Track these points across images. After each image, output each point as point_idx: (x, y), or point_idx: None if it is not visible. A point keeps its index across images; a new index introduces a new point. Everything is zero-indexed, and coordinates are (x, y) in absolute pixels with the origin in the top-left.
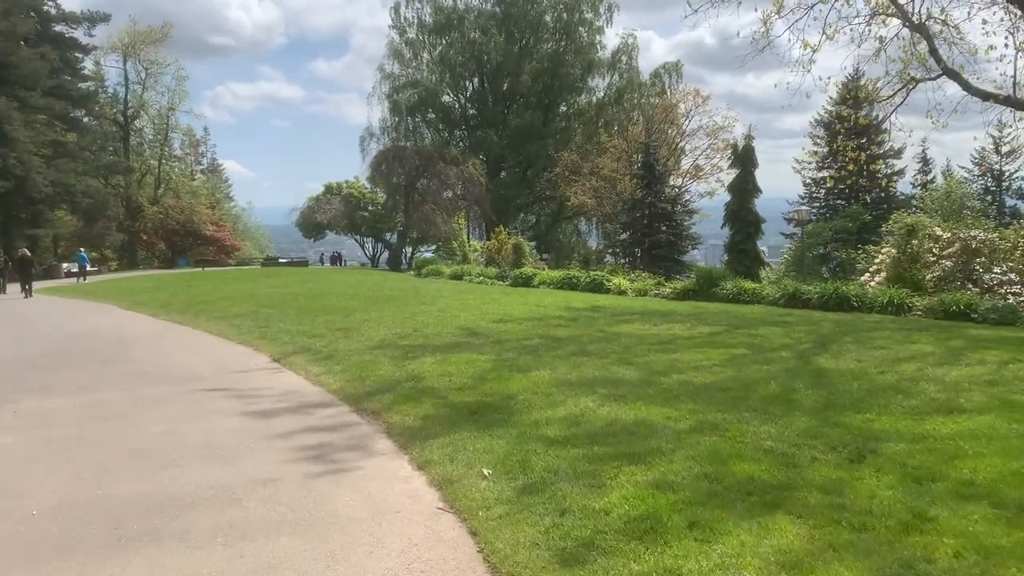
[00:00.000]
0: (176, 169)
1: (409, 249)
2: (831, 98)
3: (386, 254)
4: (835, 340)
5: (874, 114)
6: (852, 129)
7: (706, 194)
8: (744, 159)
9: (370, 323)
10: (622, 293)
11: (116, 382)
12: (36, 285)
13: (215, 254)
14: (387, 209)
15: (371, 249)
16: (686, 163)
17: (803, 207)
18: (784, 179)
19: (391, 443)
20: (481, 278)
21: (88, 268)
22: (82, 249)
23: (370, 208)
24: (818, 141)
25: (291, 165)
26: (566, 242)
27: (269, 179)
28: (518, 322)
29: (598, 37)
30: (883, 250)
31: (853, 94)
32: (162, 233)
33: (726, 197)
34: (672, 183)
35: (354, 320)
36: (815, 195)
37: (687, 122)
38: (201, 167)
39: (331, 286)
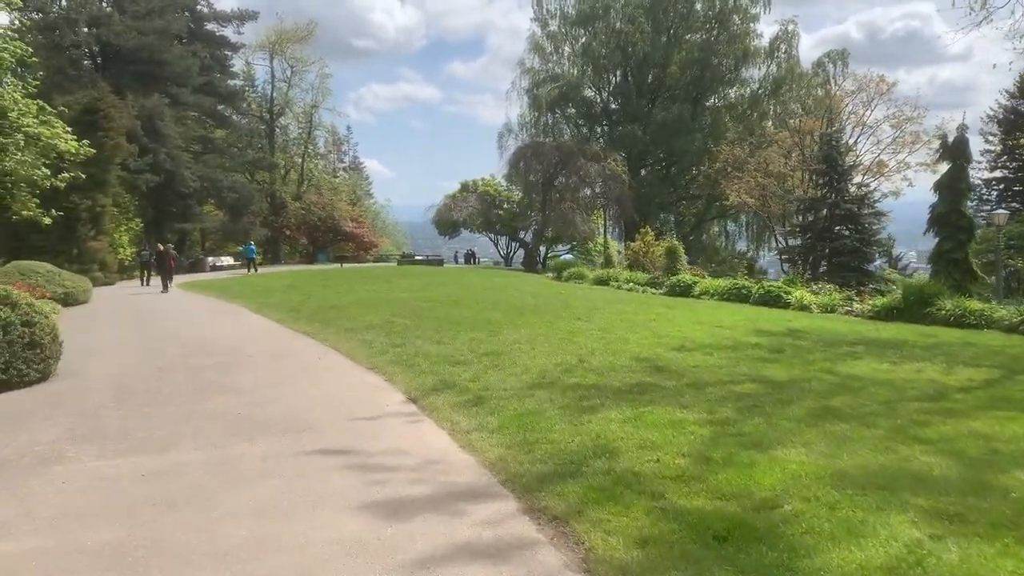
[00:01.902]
0: (319, 166)
1: (543, 249)
2: (1006, 91)
3: (519, 253)
4: None
5: None
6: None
7: (890, 193)
8: (956, 153)
9: (521, 345)
10: (804, 309)
11: (207, 430)
12: (183, 278)
13: (354, 250)
14: (522, 207)
15: (505, 247)
16: (866, 158)
17: (1000, 210)
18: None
19: None
20: (631, 285)
21: (226, 262)
22: (251, 242)
23: (505, 206)
24: (990, 139)
25: (427, 164)
26: (709, 244)
27: (406, 178)
28: (706, 351)
29: (752, 25)
30: None
31: None
32: (304, 229)
33: (914, 197)
34: (854, 180)
35: (502, 340)
36: (985, 197)
37: (868, 112)
38: (343, 165)
39: (469, 291)
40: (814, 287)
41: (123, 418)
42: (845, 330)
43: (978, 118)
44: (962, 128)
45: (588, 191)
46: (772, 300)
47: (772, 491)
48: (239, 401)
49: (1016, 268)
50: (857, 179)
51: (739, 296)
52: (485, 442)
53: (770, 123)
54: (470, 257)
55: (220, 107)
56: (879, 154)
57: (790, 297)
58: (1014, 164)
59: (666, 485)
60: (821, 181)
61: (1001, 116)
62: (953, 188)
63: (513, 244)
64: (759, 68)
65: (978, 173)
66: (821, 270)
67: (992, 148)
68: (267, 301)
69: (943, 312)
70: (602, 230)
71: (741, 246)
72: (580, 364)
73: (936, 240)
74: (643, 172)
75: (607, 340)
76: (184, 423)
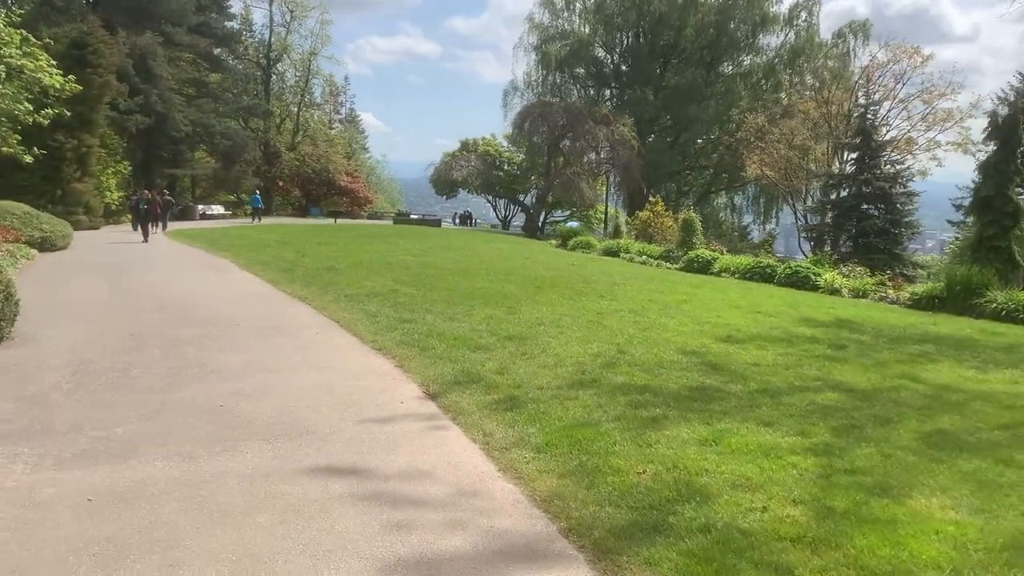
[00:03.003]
0: (315, 116)
1: (543, 214)
2: (1020, 73)
3: (517, 216)
4: None
5: None
6: None
7: (918, 173)
8: (1007, 133)
9: (547, 328)
10: (834, 292)
11: (181, 430)
12: (171, 226)
13: (348, 205)
14: (524, 169)
15: (503, 210)
16: (894, 134)
17: None
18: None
19: None
20: (644, 258)
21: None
22: (257, 192)
23: (506, 167)
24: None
25: (424, 121)
26: (712, 216)
27: (402, 133)
28: (759, 344)
29: None
30: None
31: None
32: (297, 180)
33: (943, 178)
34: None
35: (524, 320)
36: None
37: (900, 86)
38: (339, 116)
39: (476, 257)
40: (843, 269)
41: (77, 407)
42: (899, 322)
43: (987, 99)
44: (1015, 105)
45: (594, 156)
46: (799, 282)
47: (938, 570)
48: (224, 389)
49: None
50: (886, 156)
51: (763, 276)
52: (531, 465)
53: (784, 94)
54: (466, 218)
55: (216, 50)
56: (908, 130)
57: (819, 279)
58: None
59: (788, 552)
60: (853, 156)
61: (1012, 98)
62: (1000, 171)
63: (511, 207)
64: (776, 36)
65: (983, 155)
66: (844, 250)
67: None
68: (259, 257)
69: (993, 305)
70: (604, 197)
71: (747, 220)
72: (621, 356)
73: (977, 225)
74: (651, 138)
75: (642, 326)
76: (153, 418)
